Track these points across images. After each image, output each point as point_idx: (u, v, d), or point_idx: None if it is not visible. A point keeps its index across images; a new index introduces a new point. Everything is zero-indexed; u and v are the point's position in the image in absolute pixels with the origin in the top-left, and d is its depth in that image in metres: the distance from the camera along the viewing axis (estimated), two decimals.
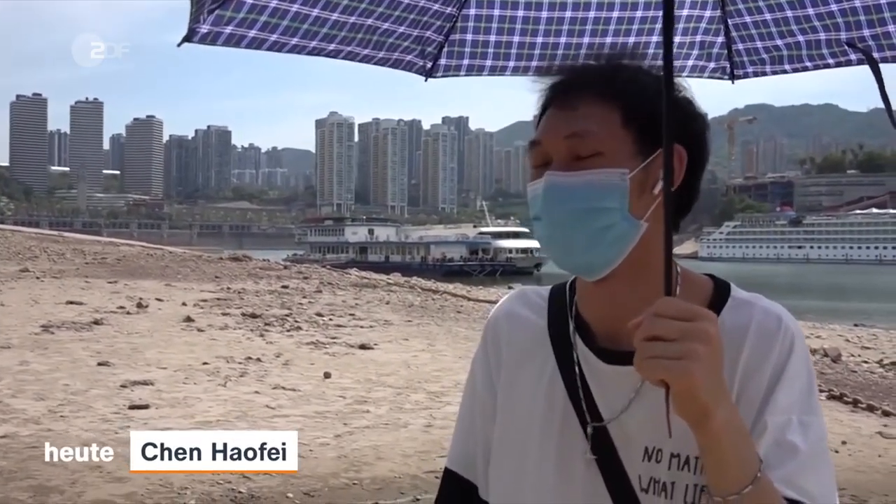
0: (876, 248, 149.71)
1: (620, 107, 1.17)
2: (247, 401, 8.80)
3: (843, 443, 7.73)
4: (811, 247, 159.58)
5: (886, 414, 9.24)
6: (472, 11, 1.85)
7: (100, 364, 10.39)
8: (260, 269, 29.49)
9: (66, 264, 27.84)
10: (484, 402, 1.35)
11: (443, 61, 1.90)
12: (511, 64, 1.92)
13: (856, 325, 22.33)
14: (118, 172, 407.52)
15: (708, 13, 1.89)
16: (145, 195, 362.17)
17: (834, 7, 1.74)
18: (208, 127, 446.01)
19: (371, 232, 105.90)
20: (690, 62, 1.97)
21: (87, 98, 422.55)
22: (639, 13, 1.88)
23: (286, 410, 8.47)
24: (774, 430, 1.10)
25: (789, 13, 1.80)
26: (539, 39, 1.88)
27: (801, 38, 1.83)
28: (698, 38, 1.93)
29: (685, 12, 1.88)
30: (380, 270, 36.41)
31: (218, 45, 1.58)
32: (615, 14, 1.87)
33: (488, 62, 1.92)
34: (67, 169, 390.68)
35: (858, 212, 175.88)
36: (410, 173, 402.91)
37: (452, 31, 1.86)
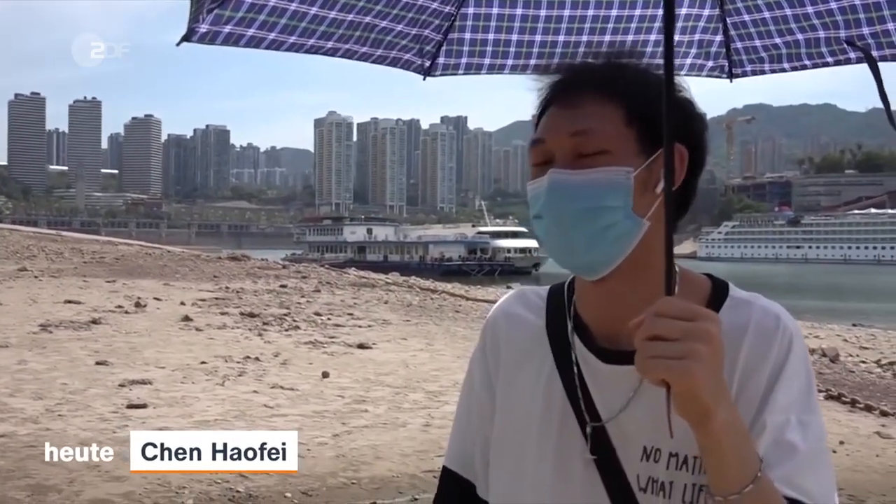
0: (874, 248, 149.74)
1: (624, 105, 1.17)
2: (245, 400, 8.80)
3: (841, 443, 7.74)
4: (809, 247, 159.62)
5: (884, 414, 9.25)
6: (471, 10, 1.84)
7: (98, 363, 10.38)
8: (258, 269, 29.46)
9: (65, 263, 27.81)
10: (482, 401, 1.35)
11: (441, 60, 1.90)
12: (509, 62, 1.92)
13: (854, 325, 22.34)
14: (116, 172, 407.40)
15: (707, 12, 1.89)
16: (144, 194, 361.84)
17: (833, 5, 1.74)
18: (207, 126, 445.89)
19: (369, 231, 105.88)
20: (689, 61, 1.97)
21: (85, 97, 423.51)
22: (637, 11, 1.88)
23: (284, 410, 8.46)
24: (773, 430, 1.10)
25: (788, 12, 1.80)
26: (538, 38, 1.88)
27: (800, 36, 1.83)
28: (697, 36, 1.93)
29: (684, 11, 1.88)
30: (378, 270, 36.39)
31: (217, 45, 1.58)
32: (614, 12, 1.87)
33: (487, 60, 1.92)
34: (66, 168, 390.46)
35: (857, 212, 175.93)
36: (409, 173, 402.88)
37: (451, 29, 1.86)
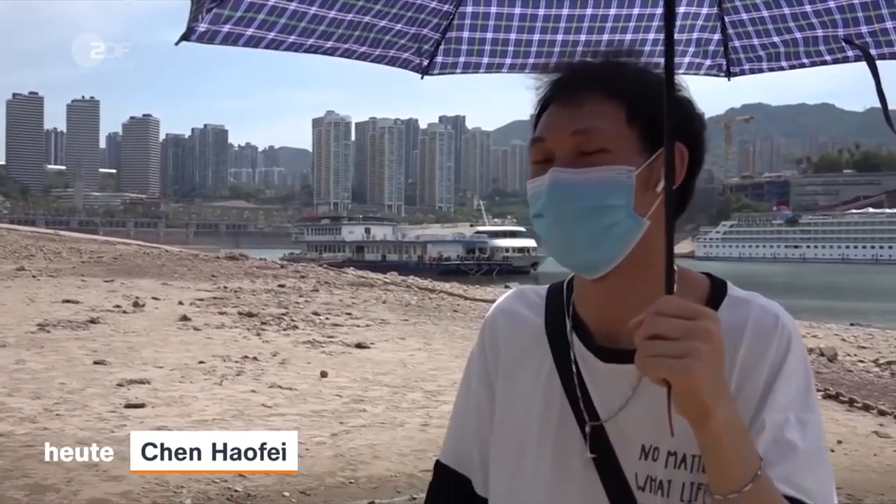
0: (872, 247, 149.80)
1: (624, 104, 1.17)
2: (243, 400, 8.80)
3: (839, 442, 7.74)
4: (807, 246, 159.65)
5: (882, 413, 9.26)
6: (469, 9, 1.84)
7: (96, 363, 10.38)
8: (256, 268, 29.44)
9: (63, 263, 27.79)
10: (480, 400, 1.35)
11: (439, 59, 1.89)
12: (508, 61, 1.92)
13: (852, 325, 22.36)
14: (114, 171, 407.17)
15: (705, 10, 1.89)
16: (142, 194, 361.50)
17: (831, 4, 1.74)
18: (205, 126, 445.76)
19: (368, 231, 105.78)
20: (687, 59, 1.97)
21: (83, 97, 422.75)
22: (636, 10, 1.87)
23: (283, 409, 8.46)
24: (773, 429, 1.10)
25: (786, 10, 1.80)
26: (536, 37, 1.88)
27: (798, 34, 1.83)
28: (695, 35, 1.92)
29: (682, 9, 1.88)
30: (376, 269, 36.35)
31: (216, 44, 1.58)
32: (612, 11, 1.87)
33: (485, 59, 1.91)
34: (64, 167, 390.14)
35: (855, 211, 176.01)
36: (407, 172, 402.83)
37: (449, 28, 1.85)
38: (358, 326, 15.38)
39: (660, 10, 1.86)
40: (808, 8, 1.77)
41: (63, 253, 31.74)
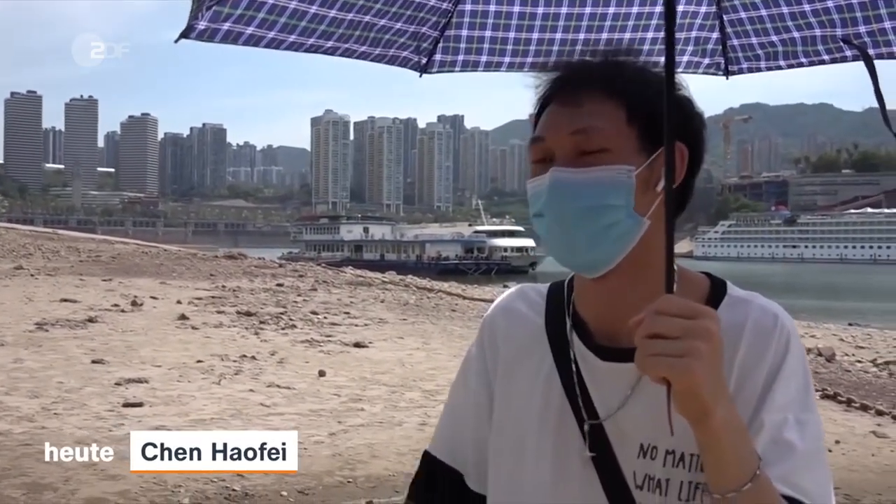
0: (870, 247, 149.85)
1: (624, 104, 1.17)
2: (241, 399, 8.79)
3: (837, 442, 7.75)
4: (806, 246, 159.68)
5: (880, 413, 9.26)
6: (468, 7, 1.84)
7: (94, 362, 10.37)
8: (255, 268, 29.44)
9: (61, 262, 27.77)
10: (479, 397, 1.35)
11: (438, 57, 1.89)
12: (506, 60, 1.92)
13: (850, 325, 22.37)
14: (113, 170, 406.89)
15: (703, 9, 1.89)
16: (140, 193, 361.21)
17: (830, 4, 1.74)
18: (203, 125, 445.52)
19: (366, 230, 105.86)
20: (685, 58, 1.97)
21: (81, 95, 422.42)
22: (634, 9, 1.87)
23: (281, 409, 8.46)
24: (771, 428, 1.11)
25: (785, 9, 1.80)
26: (535, 35, 1.88)
27: (796, 34, 1.83)
28: (693, 33, 1.92)
29: (681, 8, 1.88)
30: (375, 269, 36.32)
31: (215, 42, 1.57)
32: (611, 10, 1.87)
33: (483, 58, 1.91)
34: (62, 166, 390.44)
35: (853, 211, 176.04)
36: (406, 172, 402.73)
37: (448, 26, 1.85)
38: (356, 326, 15.38)
39: (658, 9, 1.86)
40: (806, 7, 1.77)
41: (61, 252, 31.72)
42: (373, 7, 1.70)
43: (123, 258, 30.60)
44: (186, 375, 9.89)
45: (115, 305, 16.32)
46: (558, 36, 1.88)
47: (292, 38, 1.64)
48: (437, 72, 1.92)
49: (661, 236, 1.12)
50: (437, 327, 15.86)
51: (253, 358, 11.23)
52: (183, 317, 15.05)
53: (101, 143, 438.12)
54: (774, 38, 1.86)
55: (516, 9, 1.84)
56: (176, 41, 1.56)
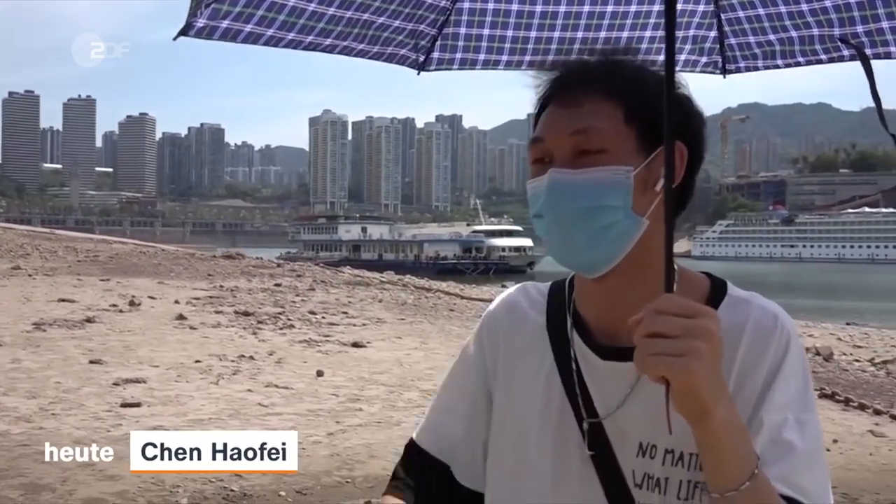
0: (868, 247, 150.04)
1: (623, 104, 1.17)
2: (239, 399, 8.78)
3: (835, 441, 7.75)
4: (804, 246, 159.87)
5: (877, 412, 9.26)
6: (466, 5, 1.84)
7: (92, 362, 10.35)
8: (253, 267, 29.41)
9: (59, 262, 27.73)
10: (474, 391, 1.36)
11: (436, 55, 1.89)
12: (504, 58, 1.92)
13: (848, 324, 22.36)
14: (111, 170, 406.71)
15: (701, 8, 1.89)
16: (138, 193, 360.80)
17: (828, 3, 1.74)
18: (201, 125, 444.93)
19: (364, 230, 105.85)
20: (683, 56, 1.97)
21: (79, 95, 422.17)
22: (633, 8, 1.87)
23: (279, 409, 8.45)
24: (771, 428, 1.11)
25: (783, 8, 1.80)
26: (532, 34, 1.88)
27: (794, 33, 1.83)
28: (691, 32, 1.93)
29: (679, 7, 1.88)
30: (373, 268, 36.31)
31: (214, 40, 1.57)
32: (609, 8, 1.87)
33: (481, 56, 1.91)
34: (60, 166, 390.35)
35: (851, 211, 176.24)
36: (404, 171, 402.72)
37: (446, 24, 1.85)
38: (354, 325, 15.36)
39: (656, 8, 1.86)
40: (804, 7, 1.78)
41: (59, 252, 31.68)
42: (371, 5, 1.70)
43: (121, 258, 30.58)
44: (184, 375, 9.88)
45: (113, 305, 16.29)
46: (556, 34, 1.88)
47: (291, 35, 1.64)
48: (435, 70, 1.92)
49: (661, 236, 1.12)
50: (435, 327, 15.85)
51: (251, 358, 11.22)
52: (181, 317, 15.03)
53: (98, 142, 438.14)
54: (772, 37, 1.86)
55: (514, 7, 1.84)
56: (175, 38, 1.56)
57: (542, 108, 1.23)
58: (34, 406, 8.01)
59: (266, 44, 1.63)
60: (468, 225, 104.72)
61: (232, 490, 5.79)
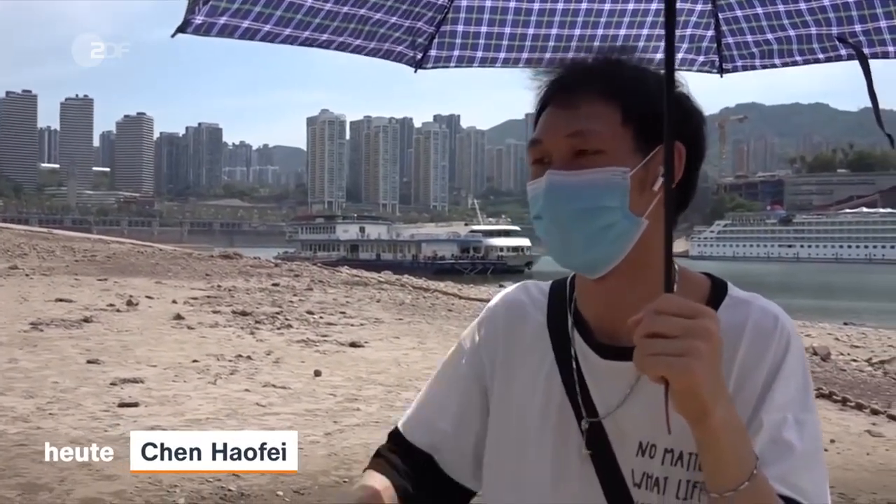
0: (866, 247, 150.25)
1: (620, 105, 1.18)
2: (237, 399, 8.77)
3: (832, 441, 7.76)
4: (801, 245, 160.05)
5: (875, 412, 9.27)
6: (464, 2, 1.84)
7: (89, 362, 10.34)
8: (251, 267, 29.38)
9: (56, 262, 27.70)
10: (470, 390, 1.36)
11: (433, 52, 1.89)
12: (501, 55, 1.91)
13: (845, 324, 22.39)
14: (108, 170, 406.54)
15: (699, 7, 1.89)
16: (136, 192, 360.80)
17: (826, 2, 1.74)
18: (199, 124, 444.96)
19: (362, 230, 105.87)
20: (680, 55, 1.96)
21: (77, 95, 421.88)
22: (630, 5, 1.87)
23: (276, 408, 8.44)
24: (770, 428, 1.11)
25: (781, 8, 1.80)
26: (530, 31, 1.88)
27: (791, 32, 1.83)
28: (688, 31, 1.92)
29: (677, 6, 1.88)
30: (371, 268, 36.32)
31: (212, 36, 1.57)
32: (607, 6, 1.86)
33: (479, 53, 1.91)
34: (57, 166, 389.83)
35: (848, 211, 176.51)
36: (402, 171, 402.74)
37: (443, 21, 1.85)
38: (352, 325, 15.36)
39: (654, 6, 1.86)
40: (802, 6, 1.77)
41: (56, 251, 31.63)
42: (368, 1, 1.70)
43: (119, 258, 30.54)
44: (182, 375, 9.87)
45: (111, 305, 16.28)
46: (554, 31, 1.88)
47: (287, 31, 1.64)
48: (433, 67, 1.91)
49: (661, 236, 1.13)
50: (433, 327, 15.85)
51: (248, 358, 11.21)
52: (178, 316, 15.02)
53: (96, 142, 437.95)
54: (770, 36, 1.86)
55: (512, 4, 1.84)
56: (173, 35, 1.56)
57: (542, 110, 1.23)
58: (31, 406, 8.00)
59: (263, 40, 1.63)
60: (466, 225, 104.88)
61: (229, 490, 5.79)
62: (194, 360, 10.79)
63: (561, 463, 1.22)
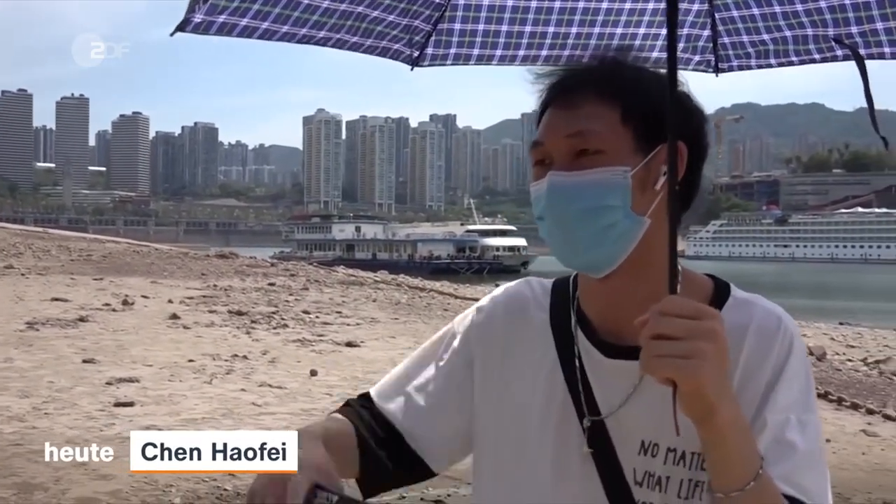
0: (861, 247, 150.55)
1: (620, 105, 1.18)
2: (233, 398, 8.77)
3: (828, 440, 7.77)
4: (797, 245, 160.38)
5: (870, 412, 9.30)
6: (461, 0, 1.84)
7: (85, 361, 10.33)
8: (246, 267, 29.35)
9: (52, 261, 27.64)
10: (452, 365, 1.35)
11: (429, 50, 1.88)
12: (498, 53, 1.91)
13: (841, 324, 22.44)
14: (104, 169, 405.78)
15: (696, 6, 1.89)
16: (131, 192, 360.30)
17: (822, 3, 1.74)
18: (195, 123, 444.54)
19: (358, 229, 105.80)
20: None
21: (72, 94, 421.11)
22: (627, 4, 1.87)
23: (272, 408, 8.44)
24: (774, 428, 1.12)
25: (777, 8, 1.80)
26: (527, 29, 1.87)
27: (788, 33, 1.83)
28: (685, 31, 1.92)
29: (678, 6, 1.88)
30: (367, 268, 36.31)
31: (211, 34, 1.57)
32: (604, 5, 1.86)
33: (475, 51, 1.90)
34: (53, 165, 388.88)
35: (844, 211, 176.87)
36: (398, 171, 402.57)
37: (441, 19, 1.85)
38: (348, 325, 15.35)
39: (651, 5, 1.86)
40: (798, 7, 1.77)
41: (52, 251, 31.57)
42: None
43: (114, 257, 30.49)
44: (178, 375, 9.86)
45: (107, 305, 16.25)
46: (551, 30, 1.88)
47: (285, 28, 1.64)
48: (429, 65, 1.91)
49: (664, 235, 1.13)
50: (429, 326, 15.84)
51: (244, 357, 11.20)
52: (174, 316, 15.00)
53: (92, 141, 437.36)
54: (766, 36, 1.86)
55: (510, 2, 1.84)
56: (172, 34, 1.56)
57: (543, 112, 1.24)
58: (27, 405, 7.98)
59: (261, 37, 1.63)
60: (462, 224, 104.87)
61: (225, 489, 5.78)
62: (190, 360, 10.78)
63: (562, 461, 1.22)
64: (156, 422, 7.54)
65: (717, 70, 1.98)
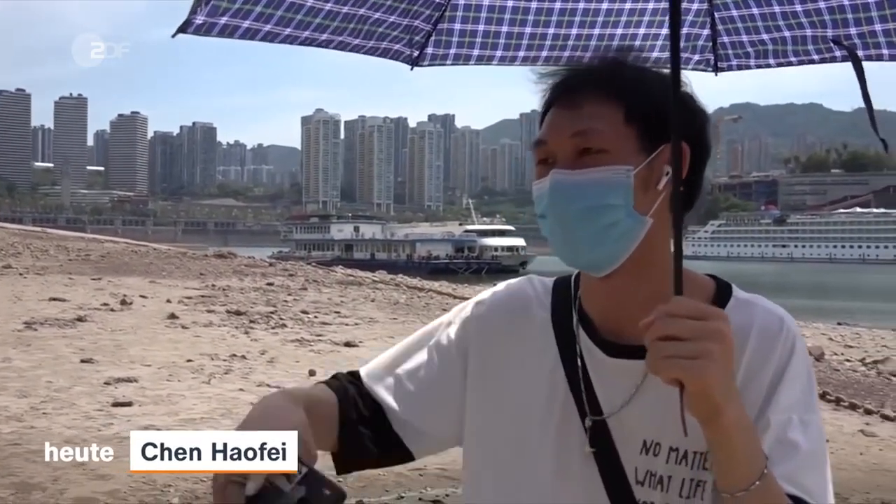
0: (859, 247, 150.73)
1: (623, 104, 1.18)
2: (231, 398, 8.76)
3: (826, 440, 7.77)
4: (795, 246, 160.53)
5: (868, 412, 9.31)
6: (462, 1, 1.84)
7: (83, 361, 10.32)
8: (245, 267, 29.35)
9: (50, 261, 27.62)
10: (447, 354, 1.35)
11: (429, 50, 1.89)
12: (498, 53, 1.91)
13: (839, 324, 22.45)
14: (102, 169, 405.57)
15: (695, 6, 1.89)
16: (130, 192, 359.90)
17: (821, 4, 1.74)
18: (193, 123, 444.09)
19: (357, 229, 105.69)
20: None
21: (71, 94, 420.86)
22: (627, 5, 1.87)
23: None
24: (776, 428, 1.12)
25: (777, 8, 1.81)
26: (527, 30, 1.88)
27: (787, 33, 1.83)
28: (684, 30, 1.92)
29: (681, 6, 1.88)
30: (365, 268, 36.28)
31: (213, 36, 1.57)
32: (604, 5, 1.87)
33: (475, 51, 1.91)
34: (51, 165, 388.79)
35: (842, 211, 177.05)
36: (396, 171, 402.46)
37: (441, 19, 1.85)
38: (346, 325, 15.35)
39: (651, 5, 1.86)
40: (798, 7, 1.78)
41: (50, 251, 31.54)
42: (367, 0, 1.70)
43: (113, 257, 30.47)
44: (176, 375, 9.86)
45: (105, 304, 16.25)
46: (551, 30, 1.88)
47: (287, 31, 1.64)
48: (429, 65, 1.91)
49: (666, 235, 1.14)
50: None
51: (243, 357, 11.20)
52: (173, 316, 15.00)
53: (90, 141, 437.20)
54: (765, 36, 1.87)
55: (510, 3, 1.84)
56: (174, 36, 1.56)
57: (546, 112, 1.24)
58: (25, 405, 7.98)
59: (263, 39, 1.63)
60: (460, 224, 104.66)
61: None
62: (188, 360, 10.77)
63: (562, 461, 1.22)
64: (154, 422, 7.54)
65: (716, 69, 1.98)
